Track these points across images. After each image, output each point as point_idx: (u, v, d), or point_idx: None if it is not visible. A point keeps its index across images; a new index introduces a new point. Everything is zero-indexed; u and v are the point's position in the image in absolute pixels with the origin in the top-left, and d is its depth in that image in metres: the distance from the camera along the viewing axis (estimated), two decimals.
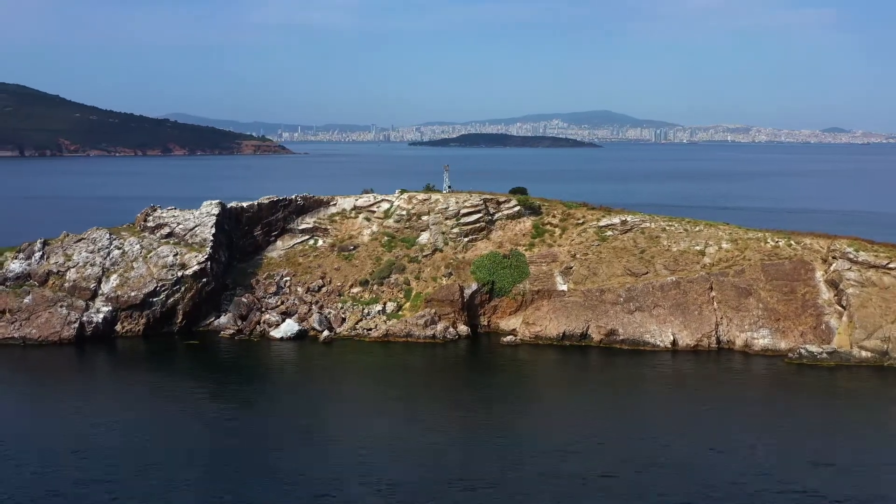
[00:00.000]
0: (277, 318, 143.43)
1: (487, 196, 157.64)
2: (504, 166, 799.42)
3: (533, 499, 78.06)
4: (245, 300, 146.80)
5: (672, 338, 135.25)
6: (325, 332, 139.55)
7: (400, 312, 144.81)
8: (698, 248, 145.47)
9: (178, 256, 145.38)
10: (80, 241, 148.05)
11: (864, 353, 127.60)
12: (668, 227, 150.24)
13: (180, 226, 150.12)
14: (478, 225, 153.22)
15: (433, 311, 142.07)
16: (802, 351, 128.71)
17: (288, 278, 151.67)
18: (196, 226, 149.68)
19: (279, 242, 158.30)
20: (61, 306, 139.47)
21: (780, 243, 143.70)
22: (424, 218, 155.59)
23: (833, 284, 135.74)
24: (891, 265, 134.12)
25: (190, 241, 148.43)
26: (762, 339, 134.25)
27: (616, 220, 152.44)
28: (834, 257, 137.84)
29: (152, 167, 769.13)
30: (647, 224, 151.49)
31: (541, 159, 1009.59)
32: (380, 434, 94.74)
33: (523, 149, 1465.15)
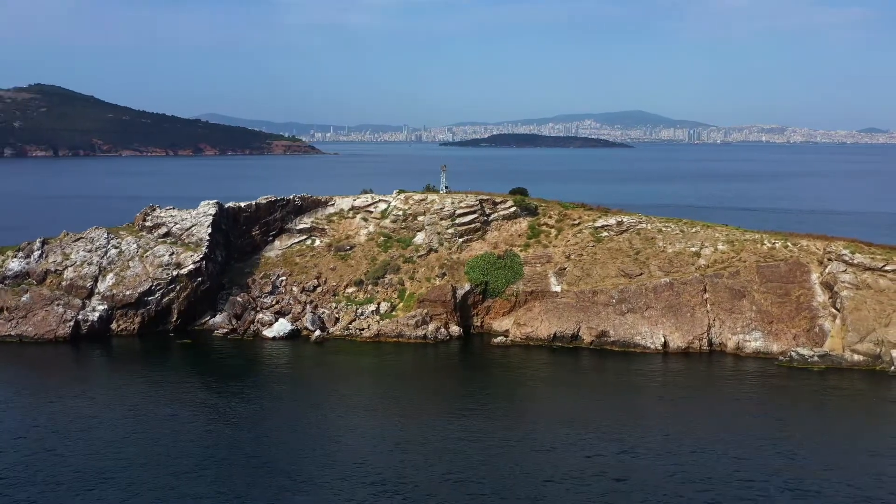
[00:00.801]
0: (271, 317, 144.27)
1: (484, 196, 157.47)
2: (529, 167, 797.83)
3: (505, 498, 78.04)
4: (240, 299, 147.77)
5: (663, 340, 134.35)
6: (317, 332, 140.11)
7: (394, 313, 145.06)
8: (694, 249, 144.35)
9: (173, 256, 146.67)
10: (78, 240, 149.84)
11: (856, 357, 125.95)
12: (664, 229, 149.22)
13: (177, 225, 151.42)
14: (473, 225, 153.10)
15: (425, 311, 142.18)
16: (793, 354, 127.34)
17: (284, 278, 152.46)
18: (193, 225, 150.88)
19: (277, 242, 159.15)
20: (58, 305, 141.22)
21: (777, 245, 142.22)
22: (420, 218, 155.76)
23: (828, 287, 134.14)
24: (887, 267, 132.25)
25: (186, 241, 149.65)
26: (754, 342, 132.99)
27: (612, 220, 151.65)
28: (829, 259, 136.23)
29: (181, 167, 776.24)
30: (644, 225, 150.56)
31: (567, 160, 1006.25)
32: (355, 431, 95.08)
33: (554, 149, 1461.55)
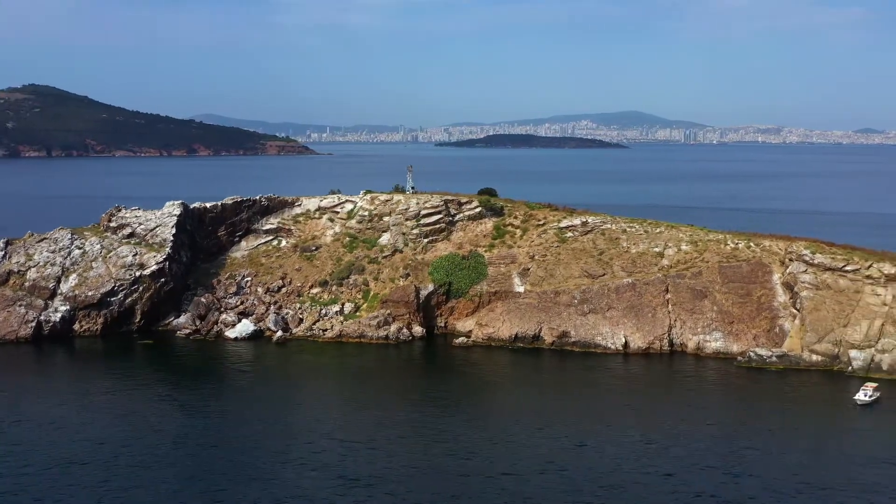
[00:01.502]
0: (234, 318, 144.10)
1: (449, 197, 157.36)
2: (517, 167, 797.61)
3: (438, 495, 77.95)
4: (204, 300, 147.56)
5: (624, 340, 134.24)
6: (279, 333, 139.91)
7: (357, 313, 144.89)
8: (657, 249, 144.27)
9: (137, 256, 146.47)
10: (42, 240, 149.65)
11: (814, 357, 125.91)
12: (628, 229, 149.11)
13: (142, 226, 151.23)
14: (438, 226, 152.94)
15: (387, 312, 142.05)
16: (752, 354, 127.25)
17: (249, 279, 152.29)
18: (157, 226, 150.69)
19: (243, 243, 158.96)
20: (20, 305, 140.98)
21: (740, 245, 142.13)
22: (386, 219, 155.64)
23: (789, 287, 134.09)
24: (847, 268, 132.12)
25: (150, 242, 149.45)
26: (714, 342, 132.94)
27: (577, 221, 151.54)
28: (791, 259, 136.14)
29: (172, 167, 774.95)
30: (609, 225, 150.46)
31: (558, 160, 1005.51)
32: (300, 427, 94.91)
33: (549, 150, 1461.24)
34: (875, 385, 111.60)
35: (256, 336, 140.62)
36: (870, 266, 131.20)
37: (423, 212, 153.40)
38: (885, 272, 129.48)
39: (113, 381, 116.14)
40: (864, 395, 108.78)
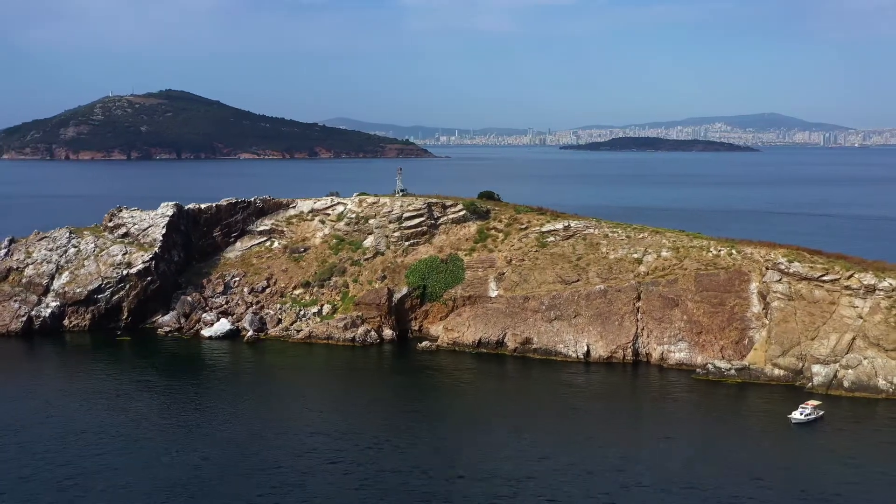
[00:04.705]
0: (214, 317, 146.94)
1: (433, 200, 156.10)
2: (619, 170, 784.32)
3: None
4: (190, 299, 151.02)
5: (586, 348, 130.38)
6: (250, 333, 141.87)
7: (335, 314, 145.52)
8: (636, 255, 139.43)
9: (126, 255, 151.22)
10: (42, 239, 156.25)
11: (777, 371, 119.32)
12: (610, 234, 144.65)
13: (136, 226, 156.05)
14: (420, 229, 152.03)
15: (357, 314, 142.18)
16: (710, 367, 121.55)
17: (238, 279, 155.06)
18: (149, 226, 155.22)
19: (238, 243, 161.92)
20: (15, 301, 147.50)
21: (722, 252, 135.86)
22: (371, 221, 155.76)
23: (763, 297, 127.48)
24: (825, 277, 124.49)
25: (142, 241, 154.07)
26: (678, 353, 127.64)
27: (559, 225, 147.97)
28: (767, 268, 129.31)
29: (285, 169, 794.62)
30: (591, 230, 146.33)
31: (670, 164, 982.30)
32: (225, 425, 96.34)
33: (674, 153, 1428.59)
34: (817, 403, 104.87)
35: (232, 335, 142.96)
36: (850, 276, 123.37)
37: (406, 214, 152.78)
38: (865, 283, 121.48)
39: (66, 375, 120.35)
40: (800, 413, 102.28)
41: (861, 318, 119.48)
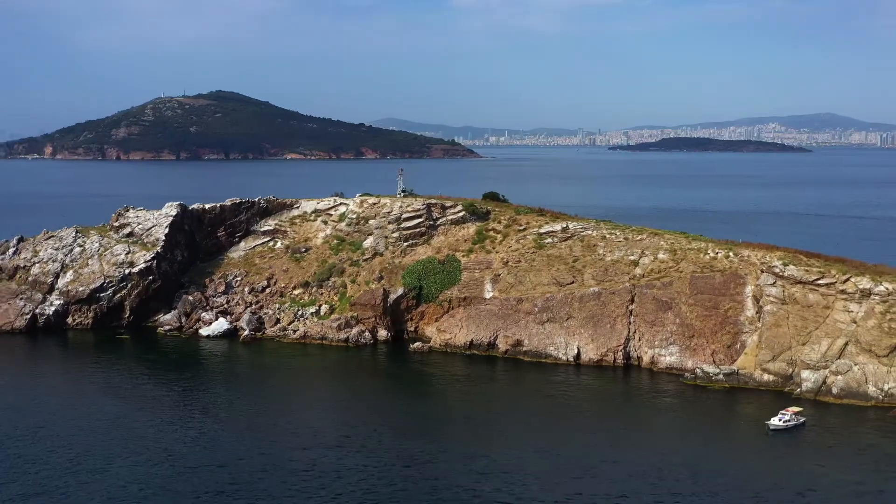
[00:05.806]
0: (213, 316, 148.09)
1: (432, 201, 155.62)
2: (667, 171, 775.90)
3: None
4: (191, 298, 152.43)
5: (576, 351, 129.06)
6: (246, 332, 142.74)
7: (332, 315, 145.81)
8: (633, 257, 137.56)
9: (129, 255, 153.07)
10: (49, 238, 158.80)
11: (766, 377, 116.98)
12: (608, 235, 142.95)
13: (140, 226, 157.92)
14: (418, 230, 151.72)
15: (352, 314, 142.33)
16: (699, 371, 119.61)
17: (239, 278, 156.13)
18: (153, 226, 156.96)
19: (242, 243, 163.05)
20: (20, 298, 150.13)
21: (719, 255, 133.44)
22: (371, 222, 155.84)
23: (757, 300, 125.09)
24: (820, 281, 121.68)
25: (146, 241, 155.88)
26: (669, 357, 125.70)
27: (557, 227, 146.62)
28: (762, 271, 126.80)
29: (329, 170, 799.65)
30: (589, 232, 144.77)
31: (721, 164, 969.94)
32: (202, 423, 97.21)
33: (725, 153, 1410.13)
34: (798, 410, 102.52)
35: (230, 335, 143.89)
36: (846, 280, 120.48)
37: (405, 215, 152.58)
38: (861, 287, 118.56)
39: (51, 372, 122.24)
40: (779, 420, 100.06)
41: (855, 322, 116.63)
